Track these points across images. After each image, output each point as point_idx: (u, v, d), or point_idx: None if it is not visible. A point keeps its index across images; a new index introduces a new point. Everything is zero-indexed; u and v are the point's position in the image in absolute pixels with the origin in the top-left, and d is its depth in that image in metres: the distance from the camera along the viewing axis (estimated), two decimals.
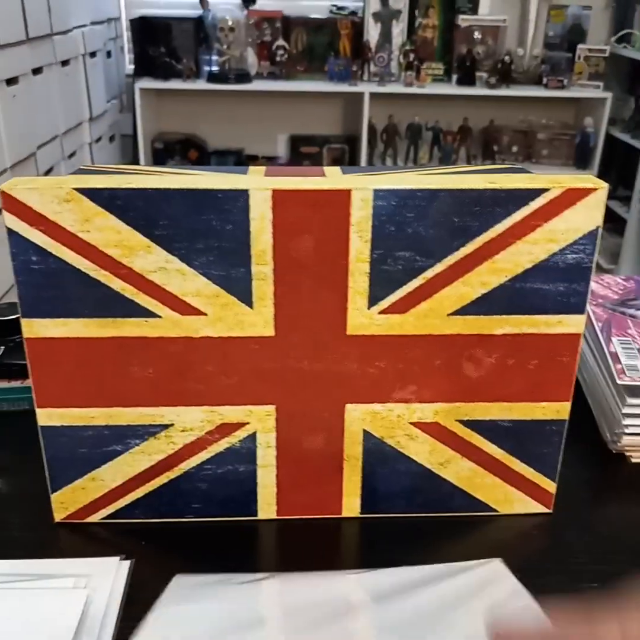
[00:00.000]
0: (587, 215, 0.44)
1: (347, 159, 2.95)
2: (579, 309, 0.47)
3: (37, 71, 1.94)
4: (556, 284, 0.46)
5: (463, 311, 0.47)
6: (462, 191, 0.44)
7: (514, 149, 2.89)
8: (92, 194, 0.43)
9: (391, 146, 2.83)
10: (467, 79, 2.74)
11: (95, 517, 0.52)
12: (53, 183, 0.43)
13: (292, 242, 0.45)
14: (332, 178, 0.46)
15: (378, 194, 0.44)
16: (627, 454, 0.59)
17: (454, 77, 2.77)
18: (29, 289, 0.45)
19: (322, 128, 2.99)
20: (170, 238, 0.44)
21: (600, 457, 0.60)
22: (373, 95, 2.68)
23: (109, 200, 0.43)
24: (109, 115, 2.68)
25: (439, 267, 0.45)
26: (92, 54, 2.44)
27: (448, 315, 0.47)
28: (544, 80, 2.74)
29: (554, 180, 0.44)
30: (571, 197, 0.44)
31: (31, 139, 1.89)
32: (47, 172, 2.04)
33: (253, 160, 2.99)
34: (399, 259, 0.45)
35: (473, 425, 0.50)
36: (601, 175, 2.81)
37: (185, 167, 0.52)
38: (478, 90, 2.73)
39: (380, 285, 0.46)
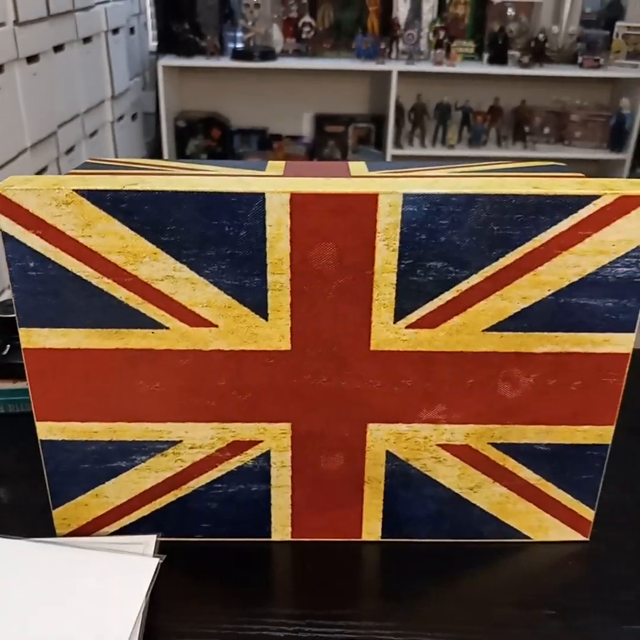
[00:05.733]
0: None
1: (373, 139, 2.88)
2: (629, 327, 0.42)
3: (58, 48, 1.90)
4: (604, 300, 0.41)
5: (500, 327, 0.42)
6: (502, 197, 0.39)
7: (546, 130, 2.80)
8: (94, 197, 0.39)
9: (419, 126, 2.76)
10: (498, 58, 2.65)
11: (99, 535, 0.49)
12: (52, 183, 0.39)
13: (311, 250, 0.40)
14: (358, 178, 0.42)
15: (408, 199, 0.39)
16: None
17: (486, 55, 2.68)
18: (27, 297, 0.42)
19: (348, 107, 2.92)
20: (178, 244, 0.40)
21: None
22: (401, 74, 2.60)
23: (113, 203, 0.39)
24: (131, 93, 2.63)
25: (474, 279, 0.41)
26: (115, 31, 2.39)
27: (483, 331, 0.43)
28: (580, 59, 2.64)
29: (605, 185, 0.40)
30: (625, 205, 0.39)
31: (52, 118, 1.86)
32: (68, 151, 2.01)
33: (277, 139, 2.93)
34: (430, 270, 0.41)
35: (507, 448, 0.46)
36: (636, 158, 2.72)
37: (199, 162, 0.48)
38: (510, 70, 2.64)
39: (408, 298, 0.42)
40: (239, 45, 2.70)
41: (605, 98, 2.86)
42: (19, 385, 0.63)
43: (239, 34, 2.71)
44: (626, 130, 2.69)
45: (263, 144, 2.93)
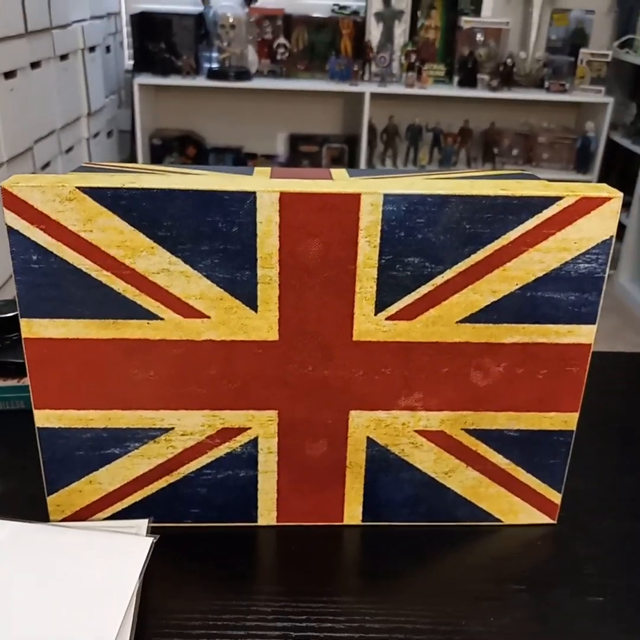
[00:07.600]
0: (601, 224, 0.43)
1: (347, 159, 2.94)
2: (590, 319, 0.46)
3: (35, 65, 1.92)
4: (567, 294, 0.45)
5: (472, 319, 0.46)
6: (473, 197, 0.43)
7: (515, 152, 2.89)
8: (96, 194, 0.42)
9: (391, 147, 2.83)
10: (468, 81, 2.73)
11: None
12: (56, 181, 0.42)
13: (299, 245, 0.44)
14: (340, 181, 0.45)
15: (388, 199, 0.43)
16: None
17: (456, 78, 2.77)
18: (29, 289, 0.44)
19: (321, 127, 2.98)
20: (174, 239, 0.43)
21: (608, 467, 0.59)
22: (374, 96, 2.67)
23: (113, 200, 0.42)
24: (107, 110, 2.66)
25: (448, 274, 0.45)
26: (91, 49, 2.42)
27: (456, 322, 0.46)
28: (546, 83, 2.74)
29: (567, 188, 0.43)
30: (585, 205, 0.43)
31: (28, 133, 1.87)
32: (44, 167, 2.02)
33: (252, 158, 2.98)
34: (408, 265, 0.44)
35: (479, 434, 0.49)
36: (601, 179, 2.81)
37: (189, 167, 0.51)
38: (479, 93, 2.72)
39: (388, 291, 0.45)
40: (215, 65, 2.75)
41: (571, 121, 2.96)
42: (9, 383, 0.65)
43: (215, 54, 2.76)
44: (591, 152, 2.79)
45: (238, 163, 2.98)
